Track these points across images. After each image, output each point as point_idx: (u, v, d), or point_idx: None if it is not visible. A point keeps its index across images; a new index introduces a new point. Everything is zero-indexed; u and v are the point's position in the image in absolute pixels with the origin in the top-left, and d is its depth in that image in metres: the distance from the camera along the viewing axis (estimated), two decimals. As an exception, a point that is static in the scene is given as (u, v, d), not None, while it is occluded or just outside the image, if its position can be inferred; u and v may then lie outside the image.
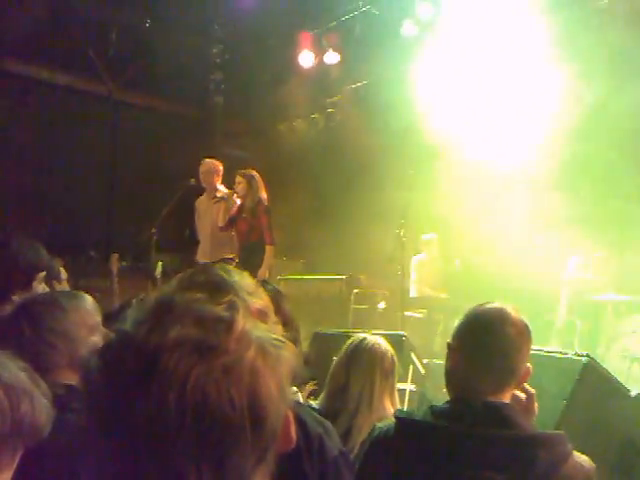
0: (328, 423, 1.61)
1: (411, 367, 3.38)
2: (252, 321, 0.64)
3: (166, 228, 5.93)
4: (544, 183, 6.05)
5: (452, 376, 1.61)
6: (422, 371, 3.43)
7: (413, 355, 3.45)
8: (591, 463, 1.42)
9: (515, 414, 1.47)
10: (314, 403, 2.56)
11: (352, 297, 7.02)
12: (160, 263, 5.44)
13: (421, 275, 7.13)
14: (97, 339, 1.73)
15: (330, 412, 2.33)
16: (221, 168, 6.25)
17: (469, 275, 6.70)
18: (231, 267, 0.76)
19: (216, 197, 6.16)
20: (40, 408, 1.06)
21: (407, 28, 7.19)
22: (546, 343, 5.37)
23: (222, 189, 6.21)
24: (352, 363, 2.37)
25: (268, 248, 5.88)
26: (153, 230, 5.72)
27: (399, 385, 3.47)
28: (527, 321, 1.60)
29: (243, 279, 0.73)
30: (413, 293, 6.96)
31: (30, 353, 1.48)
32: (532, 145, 6.12)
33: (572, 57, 5.98)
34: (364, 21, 7.57)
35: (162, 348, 0.59)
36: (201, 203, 6.34)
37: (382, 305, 7.00)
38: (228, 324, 0.61)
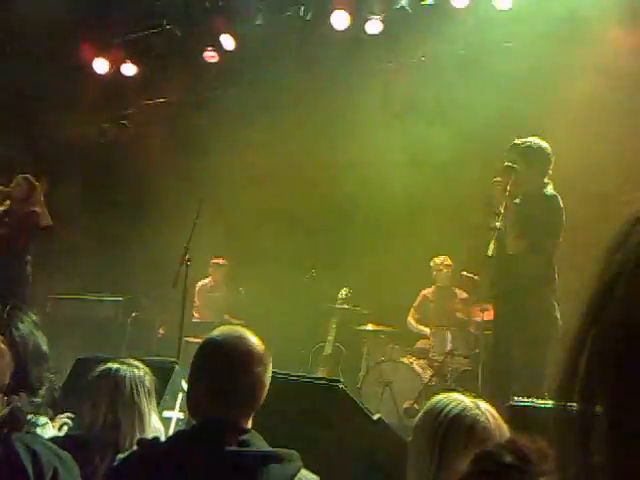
0: (66, 454, 1.55)
1: (180, 394, 3.31)
2: None
3: None
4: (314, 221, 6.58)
5: (197, 406, 1.64)
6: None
7: (184, 382, 3.39)
8: (317, 478, 1.58)
9: (255, 437, 1.58)
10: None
11: (129, 321, 6.68)
12: None
13: (204, 300, 7.10)
14: None
15: (99, 444, 2.18)
16: None
17: (251, 301, 6.88)
18: None
19: None
20: None
21: (208, 55, 7.25)
22: (316, 368, 5.74)
23: None
24: (115, 398, 2.24)
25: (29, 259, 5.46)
26: None
27: (167, 413, 3.38)
28: (265, 348, 1.69)
29: None
30: (194, 318, 6.88)
31: None
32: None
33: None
34: (166, 39, 7.45)
35: None
36: None
37: (161, 330, 6.78)
38: None
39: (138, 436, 2.23)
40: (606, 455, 0.46)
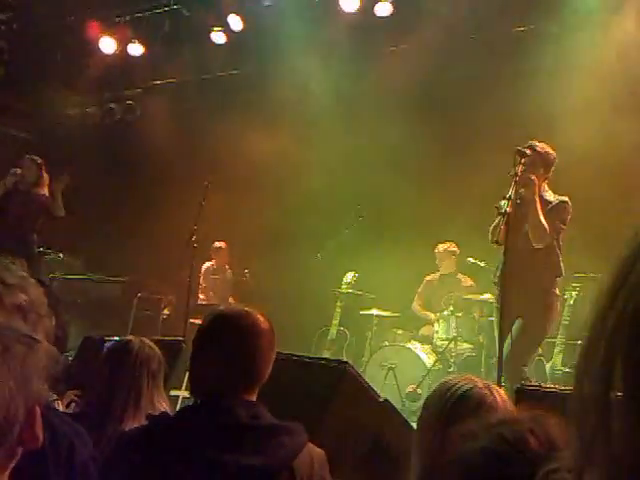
0: (81, 429, 1.56)
1: (187, 374, 3.33)
2: None
3: None
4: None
5: (201, 380, 1.65)
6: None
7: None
8: (322, 452, 1.62)
9: (264, 410, 1.59)
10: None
11: (135, 301, 6.71)
12: None
13: (209, 282, 7.14)
14: None
15: (95, 420, 2.18)
16: None
17: (257, 284, 6.90)
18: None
19: None
20: None
21: (216, 36, 7.19)
22: (320, 352, 5.77)
23: None
24: (115, 368, 2.24)
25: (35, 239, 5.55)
26: None
27: (174, 392, 3.40)
28: (271, 324, 1.68)
29: (6, 272, 0.69)
30: (200, 300, 6.92)
31: None
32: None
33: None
34: (173, 19, 7.39)
35: None
36: None
37: (166, 311, 6.81)
38: None
39: (130, 415, 2.22)
40: (627, 441, 0.43)
